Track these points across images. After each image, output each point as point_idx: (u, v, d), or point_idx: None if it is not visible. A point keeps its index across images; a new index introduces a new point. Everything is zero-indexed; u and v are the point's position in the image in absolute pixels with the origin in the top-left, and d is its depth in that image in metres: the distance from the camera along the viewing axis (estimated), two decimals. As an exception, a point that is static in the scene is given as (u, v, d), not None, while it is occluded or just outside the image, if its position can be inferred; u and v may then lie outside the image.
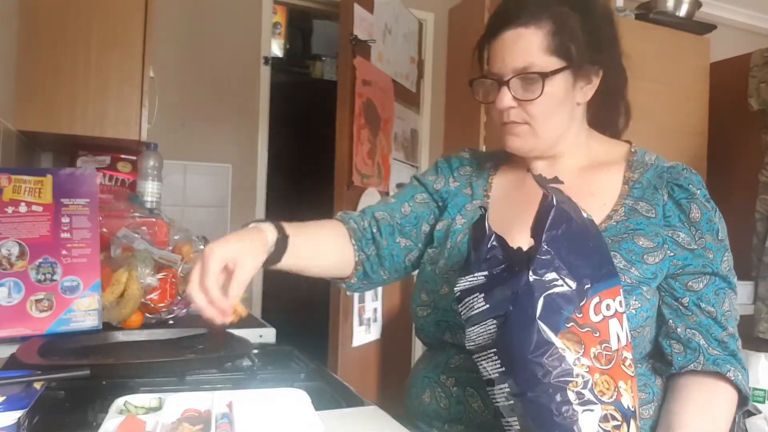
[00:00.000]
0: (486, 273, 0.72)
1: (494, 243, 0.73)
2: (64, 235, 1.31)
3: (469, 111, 3.04)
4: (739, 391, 0.88)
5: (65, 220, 1.32)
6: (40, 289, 1.27)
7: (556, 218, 0.69)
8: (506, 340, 0.67)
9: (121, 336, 1.26)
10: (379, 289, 2.71)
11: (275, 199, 3.09)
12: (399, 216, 1.08)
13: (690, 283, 0.90)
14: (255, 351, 1.12)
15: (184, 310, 1.64)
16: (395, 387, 2.79)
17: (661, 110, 2.60)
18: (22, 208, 1.29)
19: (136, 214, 1.65)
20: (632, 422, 0.68)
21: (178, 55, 2.67)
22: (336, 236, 1.04)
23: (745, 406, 0.90)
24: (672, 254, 0.89)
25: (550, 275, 0.67)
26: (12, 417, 0.70)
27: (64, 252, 1.31)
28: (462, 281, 0.74)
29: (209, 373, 1.05)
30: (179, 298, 1.58)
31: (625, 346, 0.71)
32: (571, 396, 0.65)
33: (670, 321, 0.90)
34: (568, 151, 0.99)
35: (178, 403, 0.73)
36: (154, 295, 1.50)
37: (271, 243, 0.87)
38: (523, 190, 1.01)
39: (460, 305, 0.74)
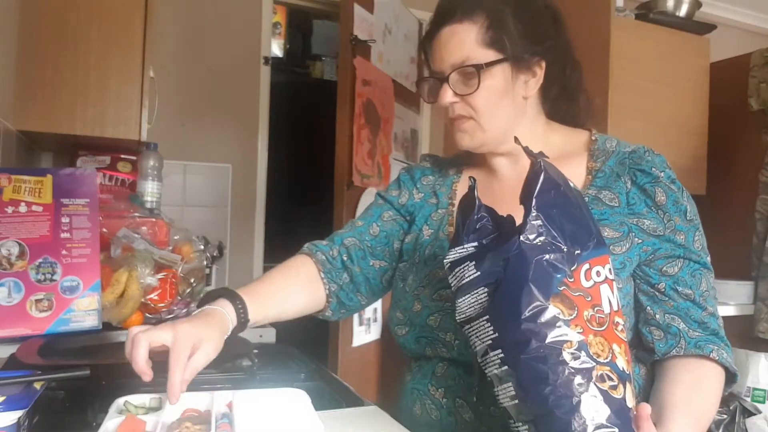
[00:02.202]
0: (476, 243, 0.72)
1: (483, 213, 0.73)
2: (64, 235, 1.31)
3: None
4: (726, 368, 0.87)
5: (65, 220, 1.32)
6: (40, 289, 1.28)
7: (545, 185, 0.69)
8: (498, 305, 0.67)
9: (121, 336, 1.25)
10: (379, 289, 2.72)
11: (275, 199, 3.09)
12: (369, 238, 1.06)
13: (664, 268, 0.89)
14: (255, 351, 1.11)
15: (184, 310, 1.64)
16: (395, 387, 2.78)
17: (661, 110, 2.59)
18: (22, 208, 1.29)
19: (136, 214, 1.65)
20: (628, 384, 0.67)
21: (178, 55, 2.67)
22: (303, 278, 1.02)
23: (733, 382, 0.89)
24: (640, 241, 0.89)
25: (541, 239, 0.67)
26: (12, 417, 0.70)
27: (64, 252, 1.31)
28: (452, 253, 0.73)
29: (209, 373, 1.04)
30: (179, 297, 1.58)
31: (617, 311, 0.70)
32: (567, 357, 0.64)
33: (648, 308, 0.90)
34: None
35: (178, 403, 0.73)
36: (154, 295, 1.50)
37: (231, 327, 0.86)
38: (489, 192, 0.99)
39: (450, 276, 0.73)
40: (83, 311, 1.30)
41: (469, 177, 0.77)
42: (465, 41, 0.91)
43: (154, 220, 1.65)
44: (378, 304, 2.71)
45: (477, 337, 0.70)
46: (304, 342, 1.46)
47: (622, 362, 0.68)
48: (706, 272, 0.91)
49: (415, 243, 1.02)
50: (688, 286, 0.89)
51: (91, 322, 1.31)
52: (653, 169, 0.91)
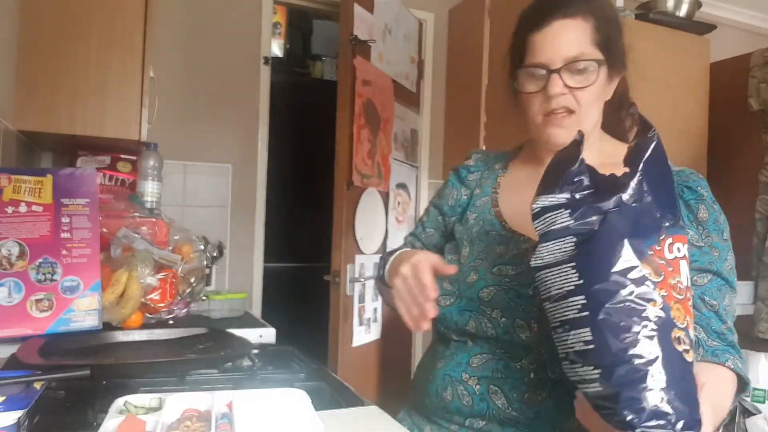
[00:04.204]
0: (568, 195, 0.73)
1: (584, 168, 0.74)
2: (64, 235, 1.32)
3: (469, 111, 3.04)
4: (740, 376, 0.89)
5: (65, 220, 1.32)
6: (40, 289, 1.28)
7: (655, 153, 0.72)
8: (589, 255, 0.69)
9: (121, 336, 1.26)
10: (379, 289, 2.71)
11: (275, 199, 3.09)
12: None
13: (695, 278, 0.91)
14: (255, 351, 1.12)
15: (185, 310, 1.64)
16: (395, 387, 2.78)
17: (661, 110, 2.60)
18: (22, 208, 1.29)
19: (136, 214, 1.65)
20: (695, 353, 0.70)
21: (178, 55, 2.67)
22: None
23: (744, 390, 0.91)
24: None
25: (639, 203, 0.70)
26: (12, 417, 0.70)
27: (64, 252, 1.31)
28: (542, 199, 0.74)
29: (209, 373, 1.05)
30: (179, 297, 1.58)
31: (688, 288, 0.73)
32: (650, 314, 0.67)
33: None
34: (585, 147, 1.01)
35: (178, 403, 0.73)
36: (154, 295, 1.51)
37: None
38: (535, 185, 1.02)
39: (537, 220, 0.75)
40: (83, 311, 1.31)
41: (578, 131, 0.77)
42: (581, 37, 0.93)
43: (154, 220, 1.66)
44: (378, 305, 2.71)
45: (554, 282, 0.71)
46: (304, 342, 1.46)
47: (692, 333, 0.71)
48: (731, 291, 0.93)
49: (463, 226, 1.07)
50: (714, 297, 0.90)
51: (91, 322, 1.31)
52: (699, 188, 0.95)
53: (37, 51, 1.77)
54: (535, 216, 0.75)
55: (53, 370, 0.83)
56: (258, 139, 2.85)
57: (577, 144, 0.75)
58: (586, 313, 0.68)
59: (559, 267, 0.71)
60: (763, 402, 2.50)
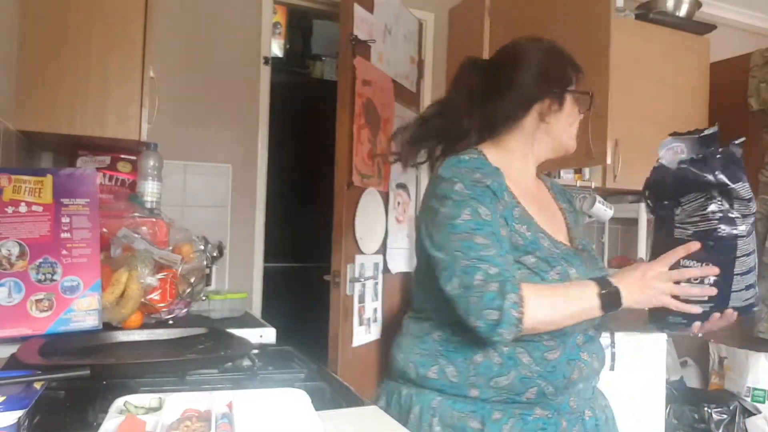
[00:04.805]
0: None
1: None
2: (64, 235, 1.32)
3: (469, 111, 3.04)
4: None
5: (65, 220, 1.32)
6: (40, 289, 1.28)
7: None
8: (751, 229, 1.11)
9: (121, 336, 1.26)
10: (379, 289, 2.71)
11: (275, 199, 3.09)
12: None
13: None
14: (255, 351, 1.12)
15: (184, 310, 1.64)
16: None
17: (661, 110, 2.59)
18: (22, 208, 1.29)
19: (136, 214, 1.65)
20: None
21: (178, 55, 2.67)
22: None
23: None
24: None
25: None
26: (12, 417, 0.70)
27: (64, 252, 1.31)
28: (749, 190, 1.13)
29: (209, 373, 1.05)
30: (179, 297, 1.59)
31: None
32: None
33: None
34: None
35: (178, 403, 0.74)
36: (154, 295, 1.51)
37: None
38: (535, 192, 1.24)
39: (746, 208, 1.13)
40: (83, 311, 1.31)
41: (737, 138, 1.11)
42: None
43: (154, 220, 1.66)
44: (378, 305, 2.71)
45: (748, 246, 1.08)
46: (304, 342, 1.46)
47: None
48: None
49: (525, 240, 1.10)
50: None
51: (91, 322, 1.31)
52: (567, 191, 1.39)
53: (37, 51, 1.77)
54: (750, 201, 1.11)
55: (53, 370, 0.83)
56: (258, 139, 2.85)
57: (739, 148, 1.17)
58: (756, 263, 1.10)
59: (749, 237, 1.08)
60: (763, 402, 2.50)
